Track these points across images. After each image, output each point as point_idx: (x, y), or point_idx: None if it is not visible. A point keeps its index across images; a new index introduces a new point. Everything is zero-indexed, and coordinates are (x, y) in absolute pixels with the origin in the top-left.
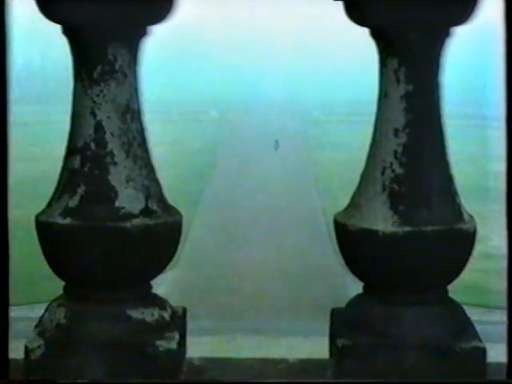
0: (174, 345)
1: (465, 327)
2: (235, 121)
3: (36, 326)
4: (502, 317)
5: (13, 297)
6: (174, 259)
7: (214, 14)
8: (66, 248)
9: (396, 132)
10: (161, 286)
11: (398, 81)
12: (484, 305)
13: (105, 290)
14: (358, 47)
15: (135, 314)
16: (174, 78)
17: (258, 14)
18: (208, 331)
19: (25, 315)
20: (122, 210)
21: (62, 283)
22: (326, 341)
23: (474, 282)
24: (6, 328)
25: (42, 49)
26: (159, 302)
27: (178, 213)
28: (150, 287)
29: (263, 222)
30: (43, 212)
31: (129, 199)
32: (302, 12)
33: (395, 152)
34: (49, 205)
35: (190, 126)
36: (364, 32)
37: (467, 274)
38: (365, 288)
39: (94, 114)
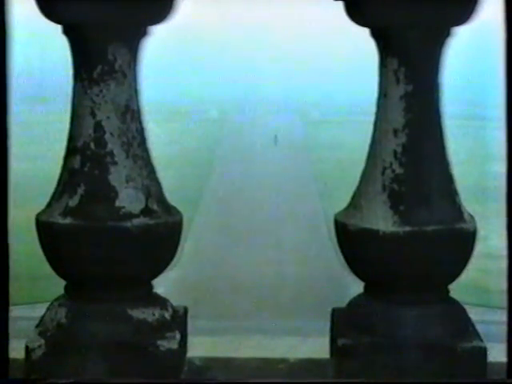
0: (174, 344)
1: (466, 327)
2: (235, 121)
3: (37, 326)
4: (502, 317)
5: (13, 296)
6: (175, 259)
7: (215, 15)
8: (67, 248)
9: (396, 132)
10: (161, 285)
11: (398, 81)
12: (484, 304)
13: (105, 289)
14: (358, 47)
15: (136, 313)
16: (174, 77)
17: (258, 14)
18: (208, 331)
19: (25, 315)
20: (123, 210)
21: (63, 283)
22: (326, 340)
23: (473, 282)
24: (6, 328)
25: (42, 49)
26: (160, 302)
27: (178, 212)
28: (151, 287)
29: (263, 222)
30: (43, 212)
31: (129, 199)
32: (302, 12)
33: (395, 152)
34: (49, 205)
35: (190, 125)
36: (364, 32)
37: (467, 274)
38: (365, 288)
39: (93, 114)
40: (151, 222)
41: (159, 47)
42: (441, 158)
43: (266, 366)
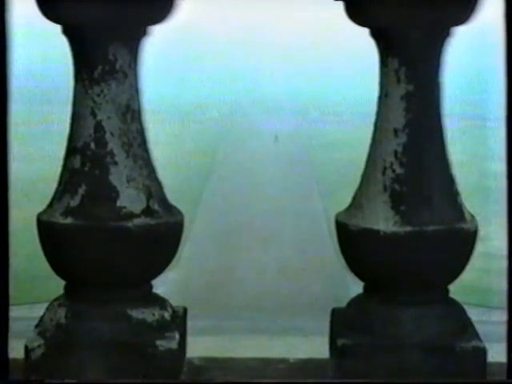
0: (174, 345)
1: (465, 327)
2: (235, 121)
3: (36, 326)
4: (502, 317)
5: (13, 296)
6: (175, 259)
7: (215, 15)
8: (67, 248)
9: (396, 132)
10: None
11: (399, 81)
12: (484, 305)
13: (105, 289)
14: (358, 47)
15: (136, 313)
16: (174, 78)
17: (258, 14)
18: (208, 331)
19: (25, 315)
20: (124, 210)
21: (63, 283)
22: (326, 340)
23: (474, 282)
24: (6, 328)
25: (42, 49)
26: (160, 302)
27: (179, 212)
28: (151, 287)
29: (264, 222)
30: (44, 212)
31: (130, 199)
32: (302, 12)
33: (395, 152)
34: (50, 205)
35: (190, 126)
36: (364, 32)
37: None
38: (365, 288)
39: (94, 114)
40: (152, 222)
41: (159, 47)
42: (441, 158)
43: (266, 366)
